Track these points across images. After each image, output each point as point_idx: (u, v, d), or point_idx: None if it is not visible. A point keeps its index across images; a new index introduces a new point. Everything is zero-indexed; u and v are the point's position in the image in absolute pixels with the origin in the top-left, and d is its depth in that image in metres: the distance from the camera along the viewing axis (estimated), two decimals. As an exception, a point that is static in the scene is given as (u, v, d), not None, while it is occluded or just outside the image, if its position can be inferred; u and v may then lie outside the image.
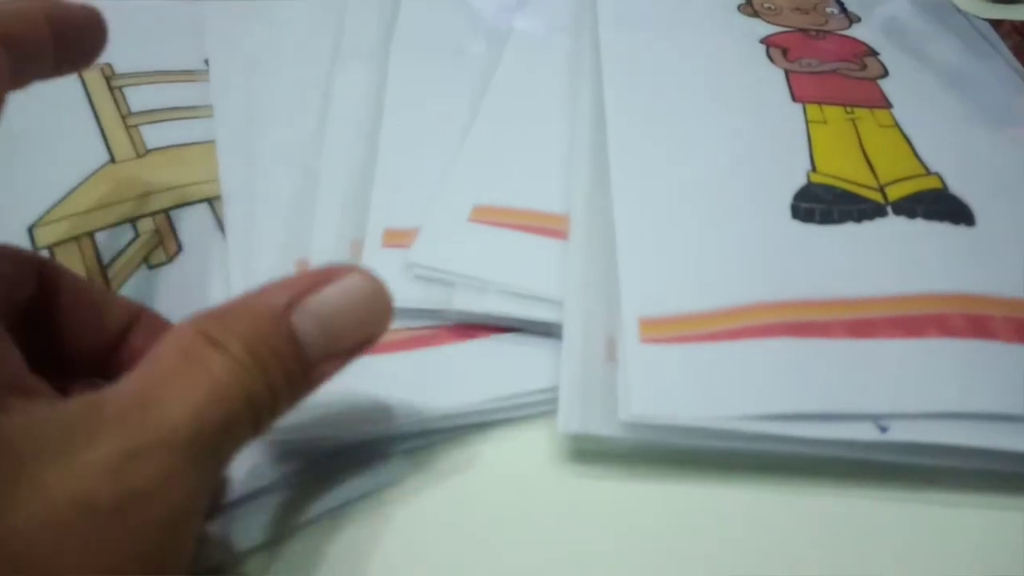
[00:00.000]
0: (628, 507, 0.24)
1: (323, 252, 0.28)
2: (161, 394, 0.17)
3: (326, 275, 0.20)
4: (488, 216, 0.28)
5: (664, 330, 0.25)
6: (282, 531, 0.23)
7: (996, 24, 0.39)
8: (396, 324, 0.26)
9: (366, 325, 0.20)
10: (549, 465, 0.25)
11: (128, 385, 0.18)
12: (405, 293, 0.26)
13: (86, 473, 0.16)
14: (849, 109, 0.31)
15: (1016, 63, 0.35)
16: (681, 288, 0.26)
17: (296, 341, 0.19)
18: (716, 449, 0.24)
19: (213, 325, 0.19)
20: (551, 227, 0.28)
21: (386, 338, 0.21)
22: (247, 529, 0.23)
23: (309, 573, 0.23)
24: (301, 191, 0.30)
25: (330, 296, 0.20)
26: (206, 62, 0.35)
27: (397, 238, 0.28)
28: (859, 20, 0.36)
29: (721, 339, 0.25)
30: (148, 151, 0.31)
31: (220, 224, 0.29)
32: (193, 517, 0.18)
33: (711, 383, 0.24)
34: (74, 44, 0.23)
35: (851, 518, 0.24)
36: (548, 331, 0.26)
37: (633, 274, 0.26)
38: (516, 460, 0.25)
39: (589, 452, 0.25)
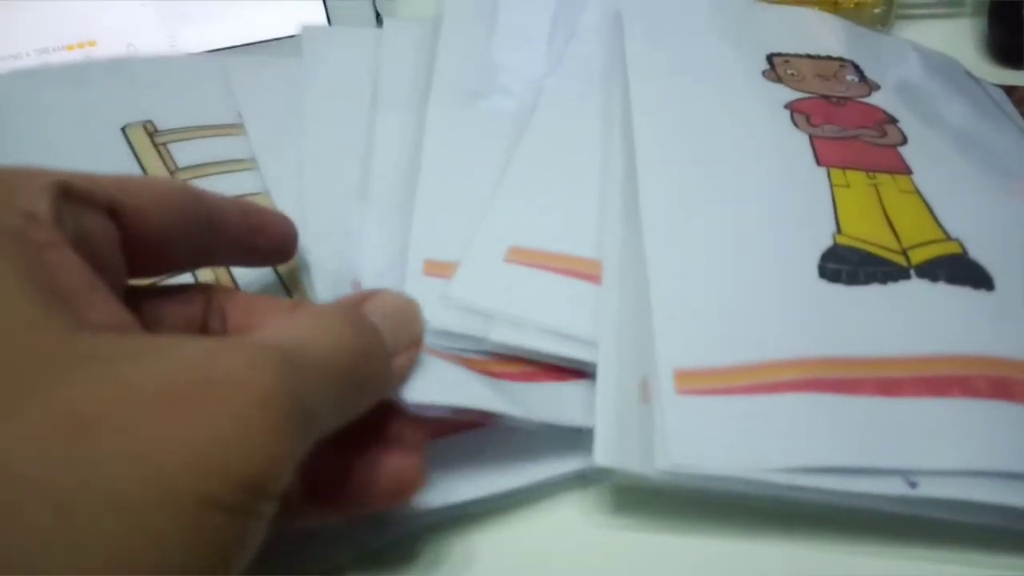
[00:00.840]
0: (669, 554, 0.26)
1: (374, 275, 0.30)
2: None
3: (364, 293, 0.23)
4: (523, 257, 0.29)
5: (699, 382, 0.26)
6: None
7: (1009, 91, 0.41)
8: (439, 344, 0.28)
9: (415, 324, 0.23)
10: (587, 517, 0.26)
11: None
12: (446, 319, 0.28)
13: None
14: (871, 174, 0.33)
15: (1028, 129, 0.37)
16: (715, 341, 0.27)
17: (377, 330, 0.21)
18: (749, 496, 0.25)
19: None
20: (583, 271, 0.29)
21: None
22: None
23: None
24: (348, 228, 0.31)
25: (384, 299, 0.23)
26: (239, 114, 0.36)
27: (437, 268, 0.29)
28: (878, 88, 0.38)
29: (755, 392, 0.26)
30: None
31: (279, 275, 0.31)
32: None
33: (746, 435, 0.25)
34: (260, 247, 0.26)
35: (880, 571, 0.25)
36: (581, 368, 0.27)
37: (668, 326, 0.27)
38: (558, 513, 0.27)
39: (625, 503, 0.26)
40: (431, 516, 0.25)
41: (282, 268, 0.30)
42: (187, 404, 0.16)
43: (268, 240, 0.26)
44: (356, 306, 0.22)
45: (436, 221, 0.31)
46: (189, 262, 0.25)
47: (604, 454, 0.25)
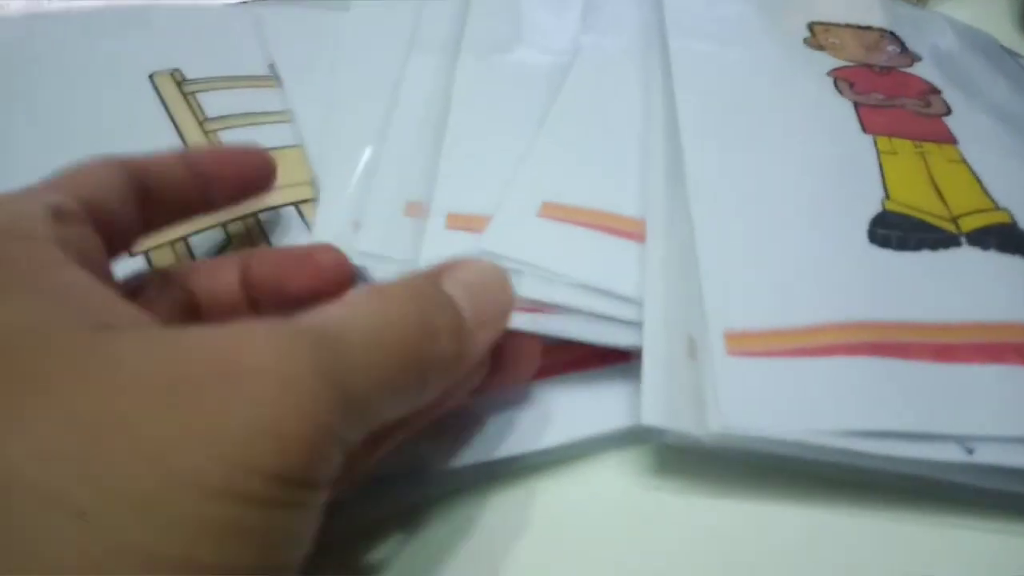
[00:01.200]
0: (710, 518, 0.25)
1: (378, 212, 0.29)
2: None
3: (451, 263, 0.21)
4: (558, 212, 0.29)
5: (749, 344, 0.25)
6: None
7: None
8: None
9: (503, 294, 0.22)
10: (632, 479, 0.26)
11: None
12: None
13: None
14: (917, 143, 0.32)
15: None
16: (765, 304, 0.26)
17: (455, 304, 0.20)
18: (801, 460, 0.24)
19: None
20: (622, 228, 0.28)
21: None
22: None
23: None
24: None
25: (468, 269, 0.21)
26: (270, 67, 0.35)
27: (460, 221, 0.28)
28: (919, 59, 0.37)
29: (807, 355, 0.25)
30: None
31: (308, 226, 0.30)
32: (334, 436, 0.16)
33: (798, 397, 0.24)
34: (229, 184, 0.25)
35: (928, 541, 0.24)
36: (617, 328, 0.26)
37: (716, 287, 0.26)
38: (599, 473, 0.26)
39: (667, 464, 0.25)
40: (471, 472, 0.25)
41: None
42: (206, 397, 0.15)
43: (228, 184, 0.25)
44: (431, 277, 0.21)
45: (462, 173, 0.30)
46: (152, 228, 0.23)
47: (652, 414, 0.24)
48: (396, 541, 0.24)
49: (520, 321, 0.25)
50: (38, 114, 0.31)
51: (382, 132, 0.32)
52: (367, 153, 0.31)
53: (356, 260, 0.27)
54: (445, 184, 0.29)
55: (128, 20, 0.36)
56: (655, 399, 0.24)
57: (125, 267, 0.25)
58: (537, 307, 0.26)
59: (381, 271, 0.28)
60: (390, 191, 0.30)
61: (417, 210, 0.29)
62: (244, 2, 0.40)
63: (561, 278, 0.27)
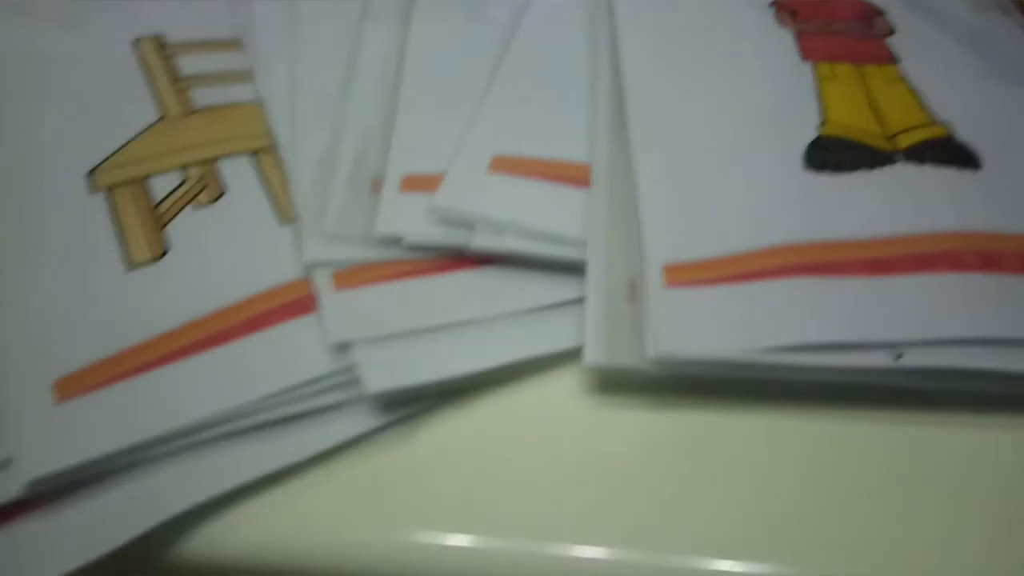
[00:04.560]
0: (650, 431, 0.26)
1: (343, 190, 0.30)
2: None
3: None
4: (507, 165, 0.30)
5: (687, 274, 0.26)
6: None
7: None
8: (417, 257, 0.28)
9: None
10: (576, 396, 0.27)
11: None
12: (426, 232, 0.28)
13: None
14: (858, 66, 0.33)
15: None
16: (702, 235, 0.27)
17: None
18: (739, 380, 0.25)
19: None
20: (569, 175, 0.30)
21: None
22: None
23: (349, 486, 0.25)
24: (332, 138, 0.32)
25: None
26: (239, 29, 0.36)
27: (416, 184, 0.29)
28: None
29: (742, 280, 0.26)
30: (196, 110, 0.33)
31: (260, 173, 0.31)
32: None
33: (734, 320, 0.25)
34: None
35: (859, 439, 0.26)
36: (567, 269, 0.28)
37: (656, 223, 0.27)
38: (544, 392, 0.27)
39: (612, 383, 0.27)
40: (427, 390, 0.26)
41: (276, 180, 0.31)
42: None
43: None
44: None
45: (417, 135, 0.31)
46: None
47: (595, 353, 0.25)
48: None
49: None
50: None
51: (342, 105, 0.33)
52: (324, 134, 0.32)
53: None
54: (399, 147, 0.31)
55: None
56: (597, 337, 0.26)
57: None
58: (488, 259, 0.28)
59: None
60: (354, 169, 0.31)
61: (379, 184, 0.30)
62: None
63: (510, 227, 0.28)
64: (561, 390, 0.27)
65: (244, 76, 0.35)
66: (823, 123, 0.30)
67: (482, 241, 0.28)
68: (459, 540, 0.24)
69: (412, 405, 0.26)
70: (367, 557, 0.24)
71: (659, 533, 0.24)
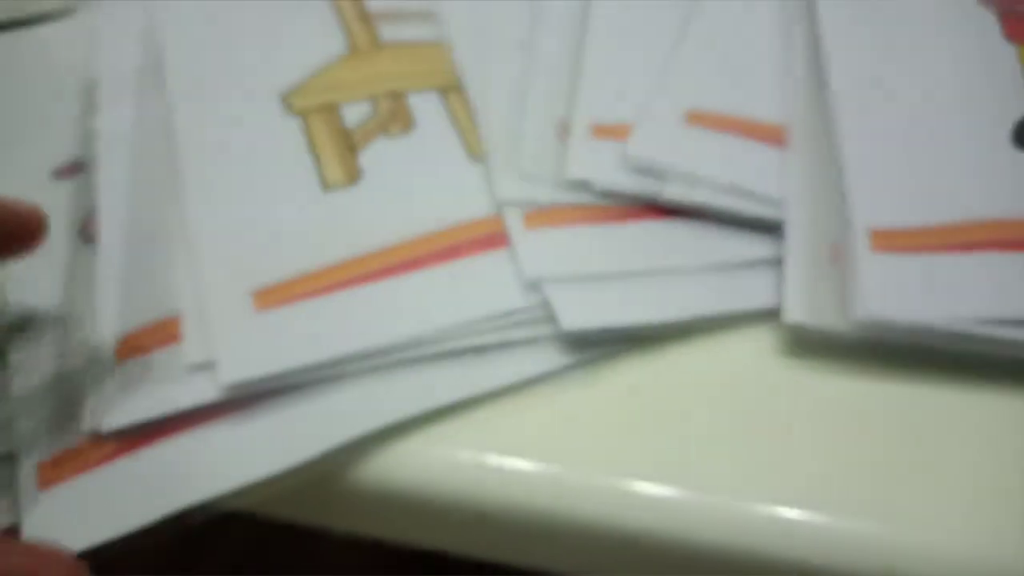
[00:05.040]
0: (839, 395, 0.25)
1: (534, 133, 0.30)
2: None
3: None
4: (702, 120, 0.29)
5: (895, 240, 0.26)
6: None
7: None
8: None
9: None
10: (762, 355, 0.26)
11: None
12: (617, 180, 0.28)
13: None
14: (1062, 51, 0.32)
15: None
16: (909, 202, 0.26)
17: None
18: (941, 350, 0.25)
19: None
20: (764, 133, 0.29)
21: None
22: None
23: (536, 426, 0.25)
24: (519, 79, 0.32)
25: None
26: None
27: (606, 132, 0.29)
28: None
29: (951, 250, 0.25)
30: (384, 44, 0.34)
31: (448, 109, 0.31)
32: None
33: (941, 289, 0.25)
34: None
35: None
36: (762, 227, 0.27)
37: (862, 186, 0.27)
38: (729, 349, 0.27)
39: (801, 345, 0.26)
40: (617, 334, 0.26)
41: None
42: None
43: None
44: None
45: (605, 83, 0.31)
46: None
47: (795, 310, 0.25)
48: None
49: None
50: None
51: (528, 48, 0.33)
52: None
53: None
54: (588, 95, 0.31)
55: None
56: (797, 297, 0.25)
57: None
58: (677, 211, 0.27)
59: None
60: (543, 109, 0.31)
61: (566, 130, 0.30)
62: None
63: (704, 180, 0.28)
64: (747, 349, 0.26)
65: (428, 16, 0.35)
66: (1030, 104, 0.29)
67: (675, 192, 0.28)
68: (631, 485, 0.24)
69: (596, 349, 0.26)
70: (540, 495, 0.24)
71: (839, 496, 0.24)
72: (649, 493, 0.24)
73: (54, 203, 0.28)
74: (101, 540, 0.22)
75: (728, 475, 0.24)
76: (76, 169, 0.32)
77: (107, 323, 0.26)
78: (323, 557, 0.41)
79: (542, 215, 0.28)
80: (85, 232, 0.29)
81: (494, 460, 0.24)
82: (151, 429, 0.24)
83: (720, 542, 0.23)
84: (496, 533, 0.25)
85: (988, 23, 0.32)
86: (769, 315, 0.26)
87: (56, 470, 0.24)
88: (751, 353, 0.26)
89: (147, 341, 0.26)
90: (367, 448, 0.24)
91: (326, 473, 0.24)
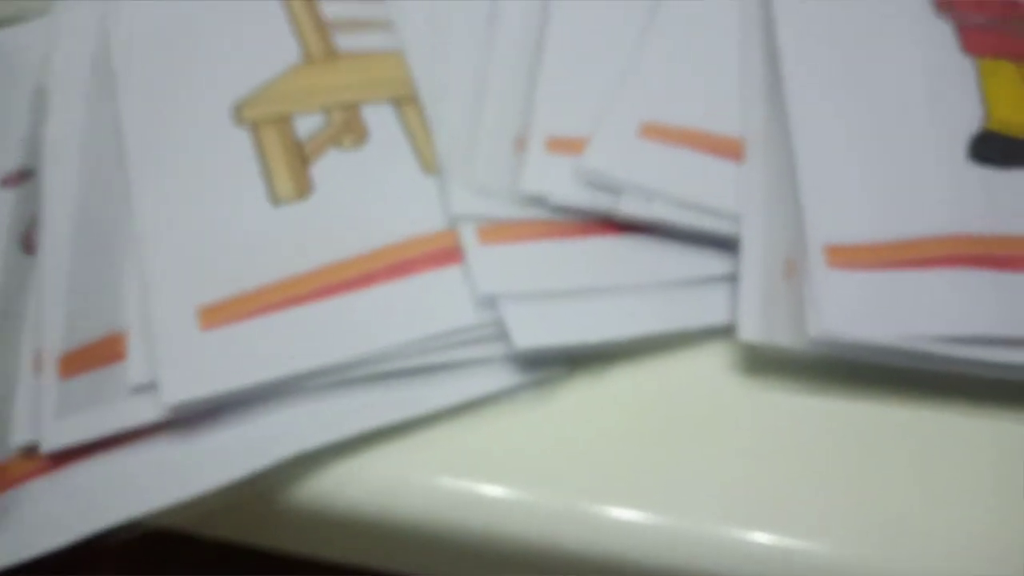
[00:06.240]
0: (793, 413, 0.25)
1: (489, 147, 0.29)
2: None
3: None
4: (658, 133, 0.29)
5: (849, 256, 0.25)
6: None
7: None
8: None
9: None
10: (715, 373, 0.26)
11: None
12: (572, 194, 0.27)
13: None
14: (1020, 64, 0.32)
15: None
16: (865, 218, 0.26)
17: None
18: (896, 367, 0.25)
19: None
20: (721, 147, 0.29)
21: None
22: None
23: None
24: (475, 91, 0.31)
25: None
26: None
27: (561, 145, 0.29)
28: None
29: (906, 267, 0.25)
30: (338, 54, 0.33)
31: (403, 121, 0.31)
32: None
33: (896, 307, 0.25)
34: None
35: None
36: (719, 242, 0.27)
37: (817, 202, 0.26)
38: (682, 367, 0.26)
39: (756, 363, 0.26)
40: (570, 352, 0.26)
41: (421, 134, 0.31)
42: None
43: None
44: None
45: (561, 96, 0.30)
46: None
47: (749, 328, 0.25)
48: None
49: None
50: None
51: (484, 59, 0.32)
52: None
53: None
54: (544, 107, 0.30)
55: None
56: (752, 314, 0.25)
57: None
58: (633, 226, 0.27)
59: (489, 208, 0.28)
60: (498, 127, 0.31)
61: (522, 144, 0.30)
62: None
63: (659, 195, 0.27)
64: (703, 366, 0.26)
65: (384, 25, 0.34)
66: (986, 117, 0.29)
67: (630, 207, 0.27)
68: (584, 507, 0.24)
69: (550, 367, 0.26)
70: (489, 515, 0.24)
71: (792, 516, 0.23)
72: (603, 514, 0.24)
73: (-2, 211, 0.28)
74: (24, 558, 0.22)
75: (683, 495, 0.24)
76: (23, 177, 0.31)
77: (49, 338, 0.26)
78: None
79: (497, 230, 0.27)
80: (27, 242, 0.28)
81: (445, 481, 0.24)
82: (86, 445, 0.24)
83: (673, 563, 0.23)
84: (444, 554, 0.24)
85: (946, 36, 0.32)
86: (726, 332, 0.26)
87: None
88: (707, 370, 0.26)
89: (91, 358, 0.25)
90: (314, 468, 0.24)
91: (271, 493, 0.24)
